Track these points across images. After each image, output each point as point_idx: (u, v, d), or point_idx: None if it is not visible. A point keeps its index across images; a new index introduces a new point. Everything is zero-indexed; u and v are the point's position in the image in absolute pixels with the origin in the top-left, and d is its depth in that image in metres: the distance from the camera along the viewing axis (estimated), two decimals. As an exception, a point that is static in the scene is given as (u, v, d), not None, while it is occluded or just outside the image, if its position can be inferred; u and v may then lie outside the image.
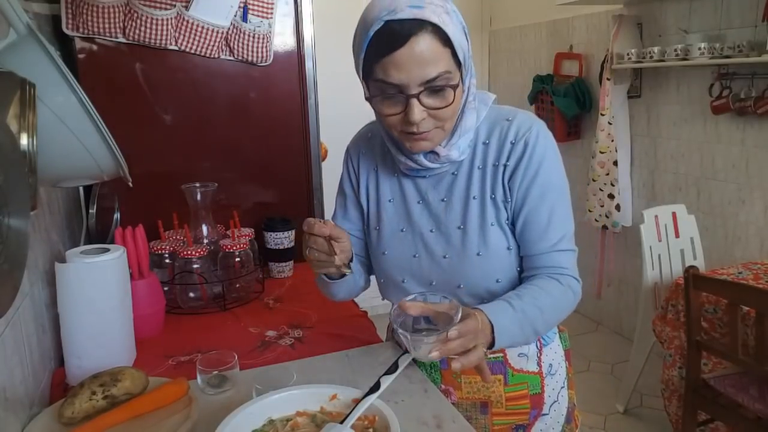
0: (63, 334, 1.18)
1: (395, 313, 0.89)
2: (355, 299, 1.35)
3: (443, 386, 1.10)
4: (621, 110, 3.09)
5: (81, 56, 1.71)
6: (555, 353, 1.12)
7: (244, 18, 1.77)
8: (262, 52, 1.83)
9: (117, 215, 1.81)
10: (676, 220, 2.56)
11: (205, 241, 1.67)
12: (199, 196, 1.66)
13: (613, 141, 3.03)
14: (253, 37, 1.79)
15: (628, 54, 2.83)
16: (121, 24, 1.68)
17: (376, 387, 0.88)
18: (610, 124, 3.02)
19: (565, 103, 3.29)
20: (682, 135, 2.88)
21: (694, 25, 2.70)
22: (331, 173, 1.78)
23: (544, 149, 0.99)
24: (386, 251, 1.08)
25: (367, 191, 1.13)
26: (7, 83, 0.79)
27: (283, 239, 1.85)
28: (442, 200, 1.05)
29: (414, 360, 1.11)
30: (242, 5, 1.75)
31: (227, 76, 1.85)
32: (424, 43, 0.86)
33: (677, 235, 2.56)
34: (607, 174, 3.07)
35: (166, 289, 1.54)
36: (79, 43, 1.70)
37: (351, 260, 1.03)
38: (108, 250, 1.24)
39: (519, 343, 0.98)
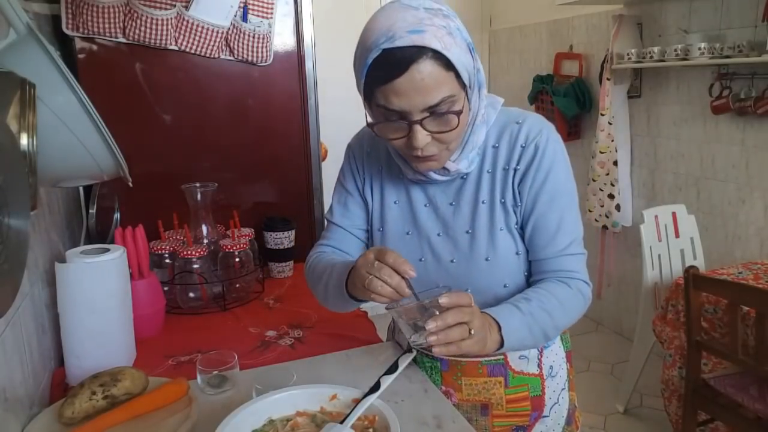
0: (63, 334, 1.18)
1: (393, 302, 0.88)
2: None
3: (443, 388, 1.10)
4: (621, 110, 3.09)
5: (81, 56, 1.71)
6: (556, 355, 1.12)
7: (244, 18, 1.77)
8: (262, 52, 1.83)
9: (117, 215, 1.81)
10: (676, 220, 2.56)
11: (205, 241, 1.67)
12: (199, 196, 1.66)
13: (613, 141, 3.04)
14: (253, 37, 1.79)
15: (628, 54, 2.83)
16: (121, 24, 1.68)
17: (376, 387, 0.87)
18: (610, 124, 3.02)
19: (565, 103, 3.29)
20: (682, 135, 2.88)
21: (694, 25, 2.70)
22: (331, 173, 1.77)
23: (554, 153, 0.99)
24: None
25: (372, 191, 1.11)
26: (7, 83, 0.79)
27: (283, 239, 1.85)
28: (451, 204, 1.04)
29: (414, 360, 1.12)
30: (242, 5, 1.75)
31: (227, 76, 1.85)
32: (425, 70, 0.83)
33: (677, 235, 2.56)
34: (607, 174, 3.07)
35: (166, 289, 1.54)
36: (79, 43, 1.70)
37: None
38: (108, 250, 1.24)
39: (528, 345, 0.97)
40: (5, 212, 0.66)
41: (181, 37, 1.73)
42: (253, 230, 1.77)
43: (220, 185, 1.71)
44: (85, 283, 1.17)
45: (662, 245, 2.52)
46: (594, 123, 3.16)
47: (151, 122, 1.81)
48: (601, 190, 3.11)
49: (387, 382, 0.88)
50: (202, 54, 1.77)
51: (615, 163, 3.04)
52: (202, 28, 1.73)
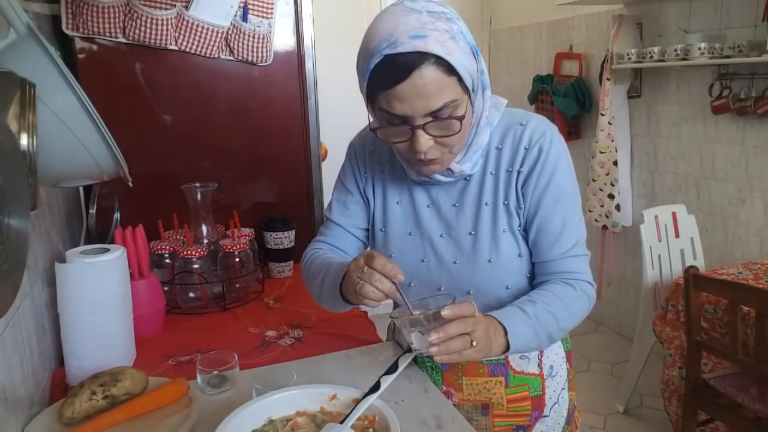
0: (63, 334, 1.18)
1: (400, 310, 0.89)
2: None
3: (444, 387, 1.10)
4: (621, 110, 3.09)
5: (81, 56, 1.71)
6: (556, 355, 1.12)
7: (244, 18, 1.77)
8: (262, 52, 1.83)
9: (117, 215, 1.81)
10: (676, 220, 2.56)
11: (205, 241, 1.67)
12: (199, 196, 1.66)
13: (613, 141, 3.03)
14: (253, 37, 1.79)
15: (628, 54, 2.83)
16: (121, 24, 1.68)
17: (376, 387, 0.88)
18: (610, 124, 3.02)
19: (565, 103, 3.29)
20: (682, 135, 2.88)
21: (694, 25, 2.70)
22: (331, 173, 1.77)
23: (557, 155, 0.99)
24: (393, 254, 1.07)
25: (374, 191, 1.11)
26: (7, 83, 0.79)
27: (283, 239, 1.85)
28: (454, 205, 1.04)
29: (414, 360, 1.12)
30: (242, 5, 1.75)
31: (227, 76, 1.85)
32: (427, 76, 0.83)
33: (677, 235, 2.56)
34: (607, 174, 3.07)
35: (166, 289, 1.54)
36: (79, 43, 1.70)
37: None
38: (108, 250, 1.24)
39: (533, 348, 0.98)
40: (5, 212, 0.66)
41: (181, 37, 1.73)
42: (253, 230, 1.77)
43: (220, 185, 1.71)
44: (85, 283, 1.17)
45: (662, 245, 2.52)
46: (594, 123, 3.16)
47: (151, 122, 1.81)
48: (601, 190, 3.11)
49: (387, 382, 0.88)
50: (202, 54, 1.77)
51: (615, 163, 3.04)
52: (202, 28, 1.73)
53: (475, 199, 1.02)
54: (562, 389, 1.13)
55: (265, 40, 1.82)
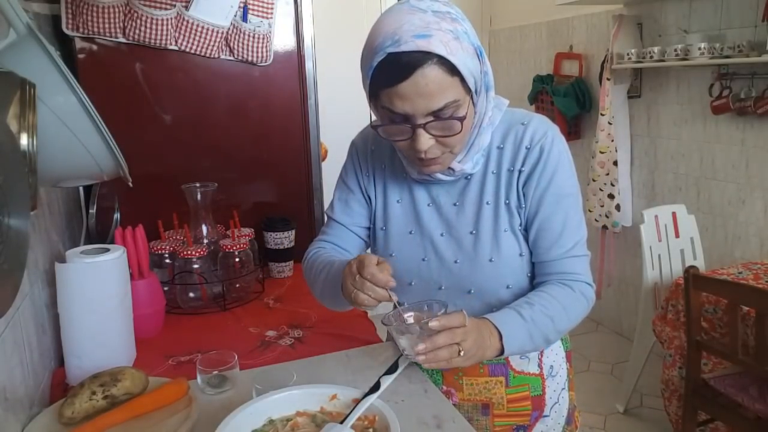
0: (63, 334, 1.18)
1: (392, 315, 0.90)
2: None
3: (444, 387, 1.10)
4: (621, 110, 3.09)
5: (81, 56, 1.71)
6: (556, 355, 1.12)
7: (244, 18, 1.77)
8: (262, 52, 1.83)
9: (117, 215, 1.81)
10: (676, 220, 2.56)
11: (205, 241, 1.67)
12: (199, 196, 1.66)
13: (613, 141, 3.04)
14: (253, 37, 1.79)
15: (628, 54, 2.83)
16: (121, 24, 1.68)
17: (376, 387, 0.88)
18: (610, 124, 3.02)
19: (565, 103, 3.29)
20: (682, 135, 2.88)
21: (694, 25, 2.70)
22: (331, 173, 1.77)
23: (558, 155, 0.99)
24: (394, 253, 1.07)
25: (375, 189, 1.11)
26: (7, 83, 0.79)
27: (283, 239, 1.85)
28: (455, 204, 1.04)
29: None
30: (242, 5, 1.75)
31: (227, 76, 1.85)
32: (429, 75, 0.83)
33: (677, 235, 2.56)
34: (607, 174, 3.07)
35: (166, 289, 1.54)
36: (79, 43, 1.70)
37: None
38: (108, 250, 1.24)
39: (528, 351, 0.98)
40: (5, 212, 0.66)
41: (181, 37, 1.73)
42: (253, 230, 1.77)
43: (220, 185, 1.71)
44: (85, 283, 1.17)
45: (662, 245, 2.52)
46: (594, 123, 3.16)
47: (151, 122, 1.81)
48: (601, 190, 3.11)
49: (387, 382, 0.89)
50: (202, 54, 1.77)
51: (615, 163, 3.05)
52: (202, 28, 1.73)
53: (476, 198, 1.02)
54: (563, 389, 1.13)
55: (265, 40, 1.82)
